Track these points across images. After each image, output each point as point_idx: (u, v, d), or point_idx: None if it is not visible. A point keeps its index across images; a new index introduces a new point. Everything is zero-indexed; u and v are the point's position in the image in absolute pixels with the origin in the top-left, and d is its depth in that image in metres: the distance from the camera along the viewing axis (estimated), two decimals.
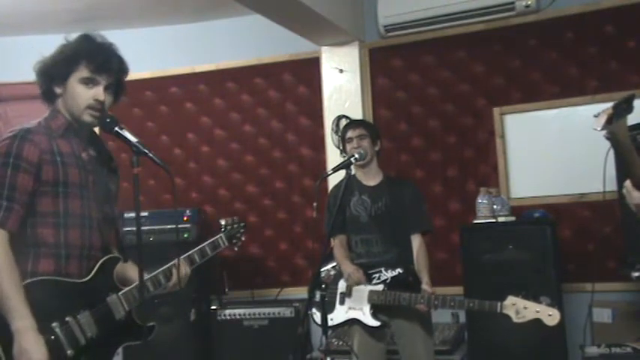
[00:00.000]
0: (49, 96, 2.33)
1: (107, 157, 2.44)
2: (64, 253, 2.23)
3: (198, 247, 2.59)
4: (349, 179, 3.55)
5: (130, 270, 2.40)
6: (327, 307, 3.46)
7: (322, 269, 3.69)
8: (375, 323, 3.49)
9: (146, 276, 2.35)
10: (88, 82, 2.27)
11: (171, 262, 2.42)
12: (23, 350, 2.06)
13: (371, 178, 3.72)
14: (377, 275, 3.55)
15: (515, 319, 3.18)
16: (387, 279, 3.52)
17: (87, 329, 2.19)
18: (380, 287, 3.49)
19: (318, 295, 3.40)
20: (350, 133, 3.70)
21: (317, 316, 3.60)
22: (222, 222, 2.77)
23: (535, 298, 3.18)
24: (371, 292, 3.50)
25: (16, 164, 2.16)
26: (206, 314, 4.79)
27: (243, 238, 2.83)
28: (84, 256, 2.27)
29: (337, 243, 3.72)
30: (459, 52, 4.78)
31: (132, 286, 2.33)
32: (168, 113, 5.46)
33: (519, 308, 3.18)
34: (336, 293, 3.61)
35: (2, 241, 2.11)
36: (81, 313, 2.18)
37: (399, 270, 3.52)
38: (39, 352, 2.07)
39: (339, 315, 3.58)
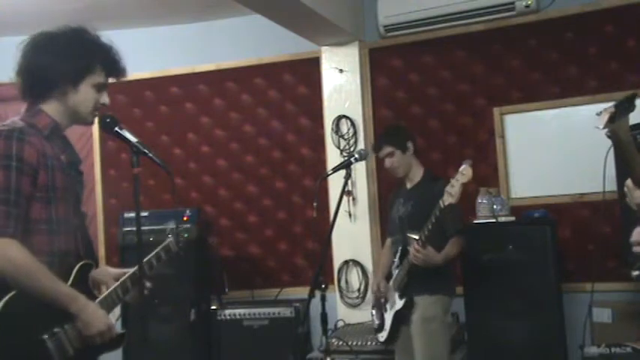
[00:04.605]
0: (39, 93, 2.22)
1: (77, 159, 2.37)
2: (55, 260, 2.15)
3: (155, 252, 2.49)
4: (402, 184, 3.83)
5: (99, 275, 2.34)
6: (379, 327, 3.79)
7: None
8: (401, 303, 3.58)
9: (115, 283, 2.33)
10: (101, 87, 2.26)
11: (134, 269, 2.34)
12: (87, 324, 2.12)
13: (411, 180, 3.80)
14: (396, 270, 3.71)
15: (453, 201, 3.24)
16: (398, 264, 3.67)
17: (73, 340, 2.13)
18: (395, 272, 3.68)
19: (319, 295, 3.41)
20: (380, 155, 3.79)
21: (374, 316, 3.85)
22: (168, 229, 2.68)
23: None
24: (392, 282, 3.67)
25: (19, 167, 2.06)
26: (206, 314, 4.79)
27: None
28: (63, 263, 2.20)
29: (385, 245, 4.03)
30: (458, 52, 4.78)
31: (106, 293, 2.29)
32: (168, 113, 5.46)
33: (451, 191, 3.24)
34: (379, 312, 3.81)
35: (21, 249, 2.04)
36: (67, 323, 2.12)
37: (401, 249, 3.67)
38: (101, 320, 2.15)
39: (387, 322, 3.72)
